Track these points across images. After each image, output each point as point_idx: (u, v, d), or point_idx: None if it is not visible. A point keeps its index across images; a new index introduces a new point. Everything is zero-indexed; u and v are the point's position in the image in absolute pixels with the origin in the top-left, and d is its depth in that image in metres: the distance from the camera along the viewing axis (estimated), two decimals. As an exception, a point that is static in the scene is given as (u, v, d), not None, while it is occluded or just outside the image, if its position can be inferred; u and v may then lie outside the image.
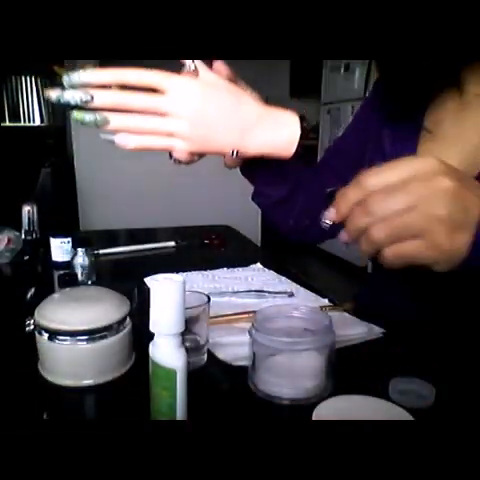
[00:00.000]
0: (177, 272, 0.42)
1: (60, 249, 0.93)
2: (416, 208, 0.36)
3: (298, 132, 0.58)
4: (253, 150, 0.58)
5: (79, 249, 0.83)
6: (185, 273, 0.84)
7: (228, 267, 0.90)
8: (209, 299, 0.55)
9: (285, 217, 0.74)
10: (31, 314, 0.52)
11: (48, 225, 1.05)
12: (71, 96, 0.48)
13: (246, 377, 0.50)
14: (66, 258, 0.91)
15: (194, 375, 0.43)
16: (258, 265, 0.92)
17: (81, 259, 0.83)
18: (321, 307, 0.67)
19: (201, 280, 0.83)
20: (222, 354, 0.56)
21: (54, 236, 0.93)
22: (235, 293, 0.75)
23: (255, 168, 0.65)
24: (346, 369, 0.50)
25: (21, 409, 0.47)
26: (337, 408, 0.43)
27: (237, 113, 0.55)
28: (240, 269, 0.90)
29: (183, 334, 0.40)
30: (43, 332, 0.50)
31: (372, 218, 0.37)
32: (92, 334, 0.50)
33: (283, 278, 0.84)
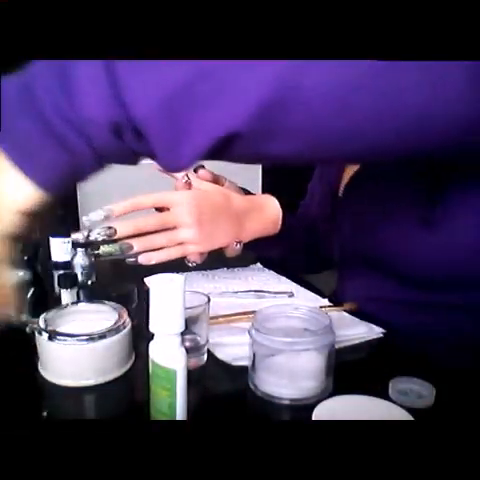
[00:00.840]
0: (177, 272, 0.42)
1: (60, 249, 0.92)
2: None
3: (280, 211, 0.71)
4: (249, 238, 0.68)
5: (79, 249, 0.83)
6: (185, 273, 0.84)
7: (228, 267, 0.90)
8: (209, 299, 0.55)
9: (296, 261, 0.85)
10: (31, 314, 0.52)
11: (48, 225, 1.05)
12: (97, 234, 0.54)
13: (246, 377, 0.50)
14: (66, 258, 0.91)
15: (194, 375, 0.43)
16: (258, 265, 0.92)
17: (81, 259, 0.82)
18: (321, 307, 0.67)
19: (201, 280, 0.83)
20: (222, 354, 0.56)
21: (54, 236, 0.93)
22: (235, 293, 0.75)
23: (253, 245, 0.74)
24: (346, 369, 0.50)
25: (21, 409, 0.47)
26: (337, 408, 0.43)
27: (229, 210, 0.64)
28: (240, 269, 0.90)
29: (183, 334, 0.40)
30: (43, 332, 0.50)
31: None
32: (92, 334, 0.50)
33: (283, 278, 0.84)
